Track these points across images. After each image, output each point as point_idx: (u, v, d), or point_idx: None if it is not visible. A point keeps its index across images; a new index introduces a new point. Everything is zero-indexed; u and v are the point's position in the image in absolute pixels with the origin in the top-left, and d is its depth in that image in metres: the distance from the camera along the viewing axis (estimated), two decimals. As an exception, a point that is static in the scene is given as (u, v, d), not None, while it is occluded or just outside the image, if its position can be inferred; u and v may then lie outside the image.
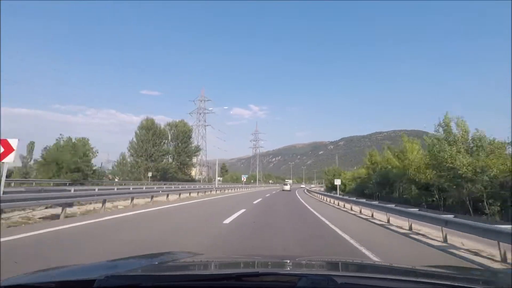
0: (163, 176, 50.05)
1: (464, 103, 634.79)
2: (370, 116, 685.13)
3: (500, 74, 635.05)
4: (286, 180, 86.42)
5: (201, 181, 63.16)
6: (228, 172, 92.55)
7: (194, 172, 68.46)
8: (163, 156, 53.77)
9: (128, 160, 51.66)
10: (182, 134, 56.64)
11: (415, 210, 9.11)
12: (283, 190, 45.67)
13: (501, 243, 5.56)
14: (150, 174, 44.87)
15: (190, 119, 74.01)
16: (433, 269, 1.89)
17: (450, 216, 7.27)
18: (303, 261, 2.22)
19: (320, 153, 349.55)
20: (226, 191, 33.96)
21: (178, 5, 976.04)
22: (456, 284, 1.26)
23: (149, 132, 52.03)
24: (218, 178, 40.60)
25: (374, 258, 5.28)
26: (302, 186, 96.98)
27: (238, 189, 39.15)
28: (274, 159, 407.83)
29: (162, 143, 54.43)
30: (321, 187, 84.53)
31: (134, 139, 52.52)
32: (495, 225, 5.84)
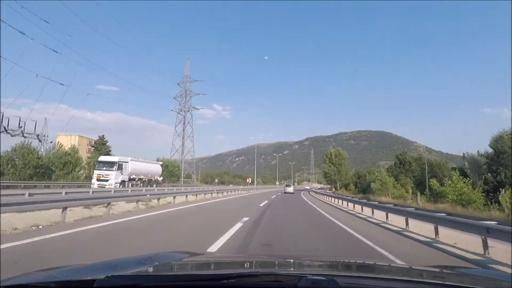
0: None
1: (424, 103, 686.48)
2: (334, 117, 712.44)
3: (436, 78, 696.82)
4: (286, 183, 66.55)
5: None
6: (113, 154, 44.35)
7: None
8: None
9: None
10: None
11: None
12: (285, 192, 40.52)
13: None
14: None
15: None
16: (434, 269, 1.93)
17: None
18: (303, 261, 2.22)
19: (285, 152, 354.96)
20: None
21: (146, 3, 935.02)
22: (457, 284, 1.28)
23: None
24: None
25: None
26: (306, 187, 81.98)
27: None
28: (237, 159, 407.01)
29: None
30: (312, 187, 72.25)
31: None
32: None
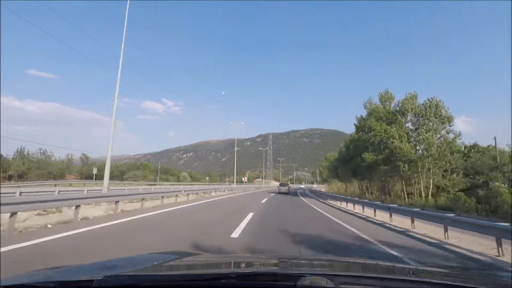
0: None
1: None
2: (287, 115, 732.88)
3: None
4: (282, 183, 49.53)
5: None
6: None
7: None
8: None
9: None
10: None
11: None
12: (279, 192, 38.90)
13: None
14: None
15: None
16: (433, 269, 2.01)
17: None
18: (303, 261, 2.27)
19: (236, 149, 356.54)
20: None
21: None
22: (456, 283, 1.31)
23: None
24: None
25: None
26: (301, 186, 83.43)
27: None
28: (185, 156, 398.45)
29: None
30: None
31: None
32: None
